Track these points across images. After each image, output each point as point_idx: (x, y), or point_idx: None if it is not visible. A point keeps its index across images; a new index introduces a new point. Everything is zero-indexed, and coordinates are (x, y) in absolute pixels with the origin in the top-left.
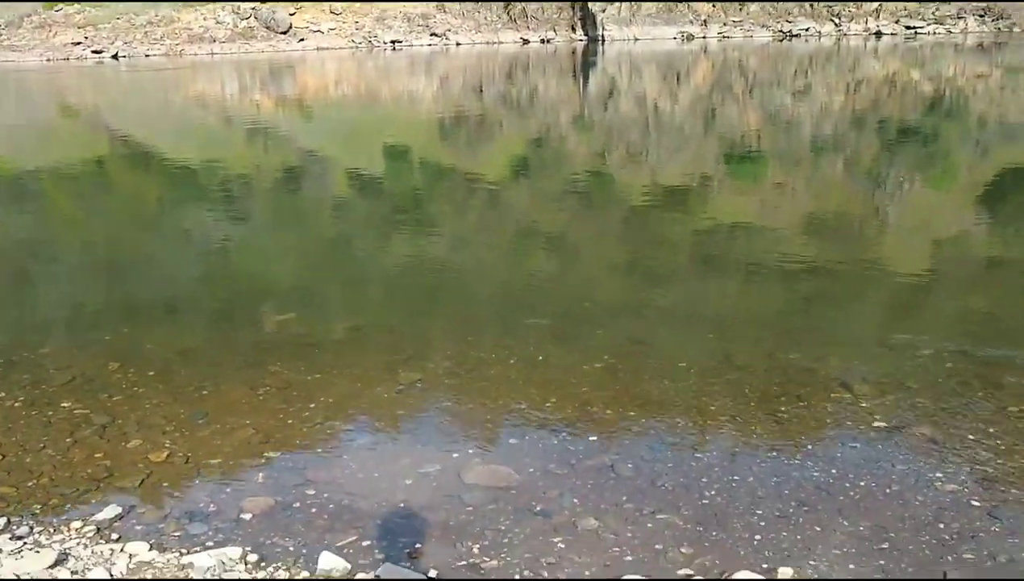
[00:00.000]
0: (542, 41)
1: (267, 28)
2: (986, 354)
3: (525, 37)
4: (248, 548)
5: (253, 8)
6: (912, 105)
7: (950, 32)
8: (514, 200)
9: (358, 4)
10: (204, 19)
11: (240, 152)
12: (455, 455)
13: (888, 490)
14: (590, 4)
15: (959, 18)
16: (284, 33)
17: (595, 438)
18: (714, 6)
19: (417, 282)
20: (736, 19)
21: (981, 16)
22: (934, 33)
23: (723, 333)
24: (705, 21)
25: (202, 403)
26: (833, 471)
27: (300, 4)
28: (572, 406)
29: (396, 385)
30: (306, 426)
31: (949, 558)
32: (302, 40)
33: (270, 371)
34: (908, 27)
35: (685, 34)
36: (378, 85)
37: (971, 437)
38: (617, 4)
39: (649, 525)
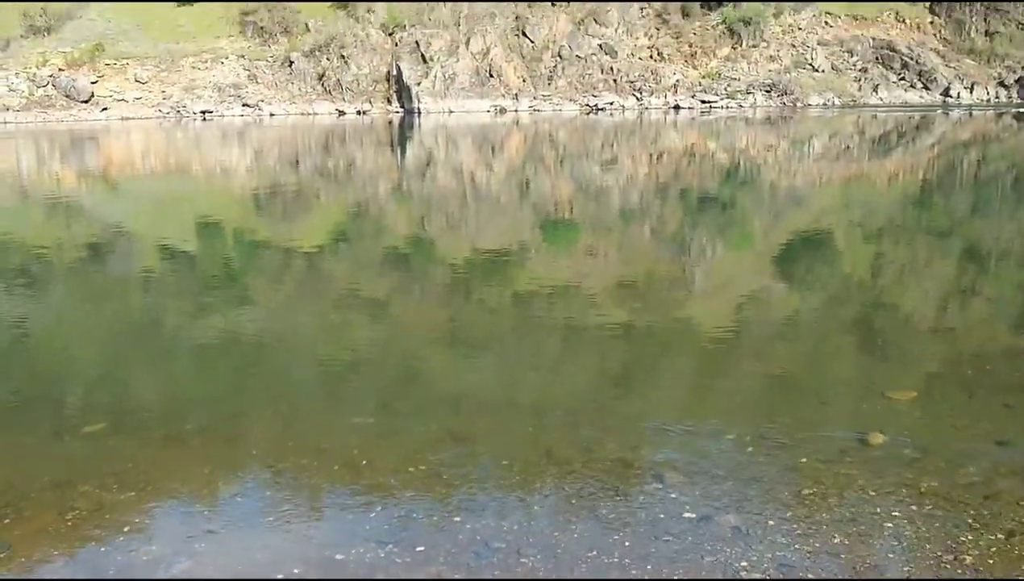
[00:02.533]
0: (358, 113)
1: (67, 96)
2: (782, 434)
3: (341, 108)
4: None
5: (51, 76)
6: (710, 174)
7: (740, 106)
8: (334, 275)
9: (165, 73)
10: None
11: (38, 228)
12: (279, 577)
13: None
14: (405, 76)
15: (748, 93)
16: (86, 102)
17: (422, 548)
18: (524, 80)
19: (235, 377)
20: (545, 93)
21: (768, 91)
22: (727, 107)
23: (542, 424)
24: (516, 95)
25: (2, 533)
26: (649, 567)
27: (103, 72)
28: (397, 515)
29: (215, 502)
30: (121, 554)
31: None
32: (105, 109)
33: (80, 491)
34: (703, 101)
35: (498, 107)
36: (189, 157)
37: (771, 523)
38: (432, 77)
39: None
